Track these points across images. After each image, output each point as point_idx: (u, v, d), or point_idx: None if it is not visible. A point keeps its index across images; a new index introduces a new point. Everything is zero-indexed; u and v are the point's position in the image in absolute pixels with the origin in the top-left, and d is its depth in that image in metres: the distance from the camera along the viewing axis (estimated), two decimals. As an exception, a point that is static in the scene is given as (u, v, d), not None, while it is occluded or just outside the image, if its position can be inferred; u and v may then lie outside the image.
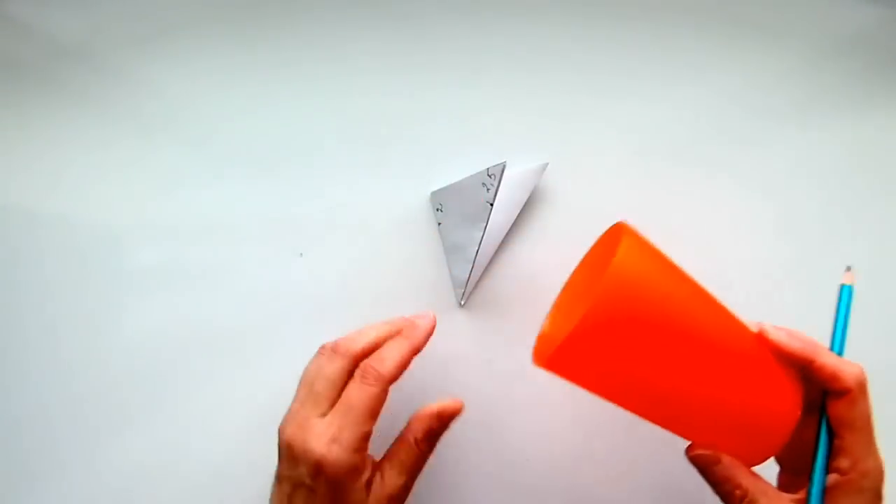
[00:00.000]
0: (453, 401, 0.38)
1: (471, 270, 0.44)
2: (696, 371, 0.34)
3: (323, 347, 0.38)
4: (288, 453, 0.36)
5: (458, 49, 0.45)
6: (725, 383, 0.34)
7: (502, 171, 0.42)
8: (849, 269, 0.38)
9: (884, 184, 0.46)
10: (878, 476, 0.34)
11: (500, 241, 0.45)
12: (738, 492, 0.35)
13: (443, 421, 0.38)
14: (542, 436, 0.45)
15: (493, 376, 0.45)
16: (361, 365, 0.37)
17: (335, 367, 0.37)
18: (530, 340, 0.44)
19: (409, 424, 0.38)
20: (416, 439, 0.37)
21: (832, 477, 0.34)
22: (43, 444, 0.45)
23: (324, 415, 0.36)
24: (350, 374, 0.37)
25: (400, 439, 0.38)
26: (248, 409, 0.45)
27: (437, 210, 0.45)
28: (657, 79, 0.45)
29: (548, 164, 0.45)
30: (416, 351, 0.38)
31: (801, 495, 0.34)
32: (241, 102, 0.45)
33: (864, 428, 0.34)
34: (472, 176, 0.44)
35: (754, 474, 0.35)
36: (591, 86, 0.46)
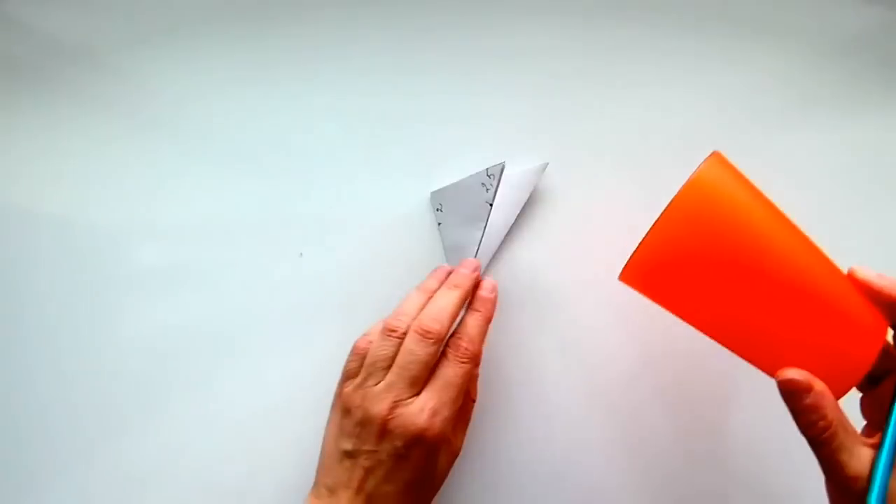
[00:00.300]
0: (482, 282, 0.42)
1: (484, 269, 0.44)
2: (778, 293, 0.33)
3: (387, 324, 0.40)
4: (381, 429, 0.37)
5: (459, 49, 0.45)
6: (809, 310, 0.34)
7: (501, 172, 0.43)
8: None
9: (884, 184, 0.46)
10: None
11: (500, 241, 0.45)
12: (822, 423, 0.33)
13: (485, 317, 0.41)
14: (541, 438, 0.45)
15: (494, 376, 0.45)
16: (453, 343, 0.40)
17: (429, 351, 0.39)
18: (530, 340, 0.44)
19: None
20: (473, 399, 0.42)
21: None
22: (42, 444, 0.45)
23: (417, 394, 0.38)
24: (438, 354, 0.39)
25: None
26: (247, 408, 0.45)
27: (437, 210, 0.45)
28: (657, 79, 0.45)
29: (547, 164, 0.45)
30: (490, 322, 0.42)
31: (876, 439, 0.34)
32: (241, 102, 0.45)
33: None
34: (471, 176, 0.44)
35: (839, 408, 0.34)
36: (590, 86, 0.46)
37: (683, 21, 0.45)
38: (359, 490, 0.38)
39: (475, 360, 0.39)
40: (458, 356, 0.39)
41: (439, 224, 0.45)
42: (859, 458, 0.33)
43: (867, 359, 0.33)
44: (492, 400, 0.45)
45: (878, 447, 0.33)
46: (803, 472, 0.44)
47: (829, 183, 0.46)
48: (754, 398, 0.45)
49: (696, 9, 0.45)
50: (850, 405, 0.35)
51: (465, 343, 0.39)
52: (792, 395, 0.34)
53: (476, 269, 0.43)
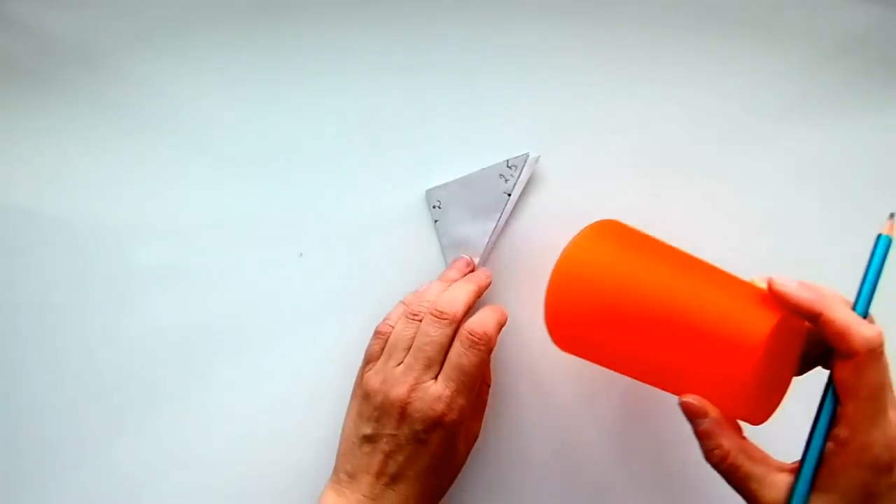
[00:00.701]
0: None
1: (484, 263, 0.45)
2: (661, 332, 0.34)
3: (409, 308, 0.41)
4: (400, 413, 0.38)
5: (456, 48, 0.45)
6: (689, 340, 0.34)
7: (524, 163, 0.43)
8: (893, 216, 0.34)
9: (884, 184, 0.46)
10: (881, 452, 0.30)
11: (497, 235, 0.45)
12: (718, 451, 0.33)
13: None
14: (550, 427, 0.45)
15: (498, 370, 0.45)
16: (467, 330, 0.39)
17: (444, 333, 0.39)
18: (526, 332, 0.44)
19: None
20: (487, 384, 0.43)
21: (829, 446, 0.32)
22: (42, 444, 0.45)
23: (435, 377, 0.38)
24: (453, 337, 0.39)
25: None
26: (247, 408, 0.45)
27: (435, 207, 0.45)
28: (657, 78, 0.45)
29: (539, 156, 0.45)
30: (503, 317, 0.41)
31: (796, 464, 0.32)
32: (241, 102, 0.45)
33: (871, 397, 0.30)
34: (484, 169, 0.44)
35: (740, 436, 0.33)
36: (590, 85, 0.45)
37: (683, 21, 0.45)
38: (379, 474, 0.38)
39: (489, 346, 0.39)
40: (472, 342, 0.39)
41: (436, 221, 0.45)
42: (772, 486, 0.32)
43: (745, 377, 0.32)
44: (498, 393, 0.45)
45: (797, 473, 0.32)
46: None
47: (829, 183, 0.46)
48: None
49: (696, 9, 0.45)
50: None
51: (479, 329, 0.39)
52: (691, 421, 0.34)
53: (489, 275, 0.44)
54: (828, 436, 0.32)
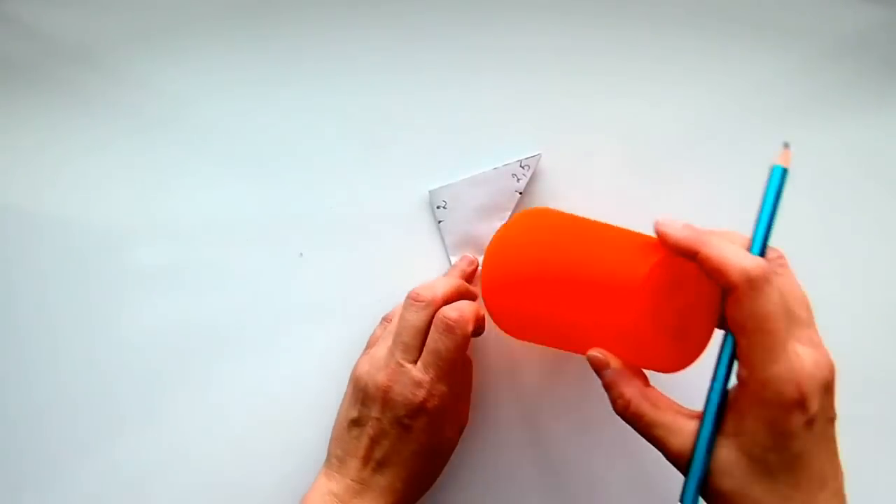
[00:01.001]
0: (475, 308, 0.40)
1: None
2: (573, 294, 0.36)
3: (412, 295, 0.40)
4: (383, 398, 0.38)
5: (456, 48, 0.45)
6: (594, 297, 0.34)
7: (537, 163, 0.44)
8: (787, 146, 0.32)
9: (884, 184, 0.46)
10: (784, 387, 0.29)
11: None
12: (620, 400, 0.33)
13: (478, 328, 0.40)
14: (543, 429, 0.45)
15: (492, 364, 0.45)
16: (442, 314, 0.39)
17: (420, 317, 0.39)
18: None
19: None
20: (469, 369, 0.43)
21: (734, 387, 0.31)
22: (42, 444, 0.45)
23: (414, 362, 0.39)
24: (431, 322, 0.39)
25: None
26: (248, 408, 0.45)
27: (440, 207, 0.45)
28: (657, 78, 0.45)
29: (540, 154, 0.45)
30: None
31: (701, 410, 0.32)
32: (241, 102, 0.45)
33: (759, 330, 0.29)
34: (495, 169, 0.44)
35: (644, 385, 0.33)
36: (590, 84, 0.45)
37: (683, 21, 0.45)
38: (366, 459, 0.39)
39: (464, 331, 0.38)
40: (447, 326, 0.38)
41: (440, 222, 0.45)
42: (679, 433, 0.31)
43: (634, 321, 0.32)
44: (490, 386, 0.45)
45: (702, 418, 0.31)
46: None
47: (829, 183, 0.46)
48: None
49: (696, 8, 0.45)
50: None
51: (453, 314, 0.38)
52: (597, 374, 0.34)
53: (472, 262, 0.44)
54: (728, 376, 0.31)
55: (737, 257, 0.29)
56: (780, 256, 0.32)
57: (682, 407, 0.33)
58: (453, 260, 0.45)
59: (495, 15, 0.45)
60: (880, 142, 0.46)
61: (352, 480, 0.39)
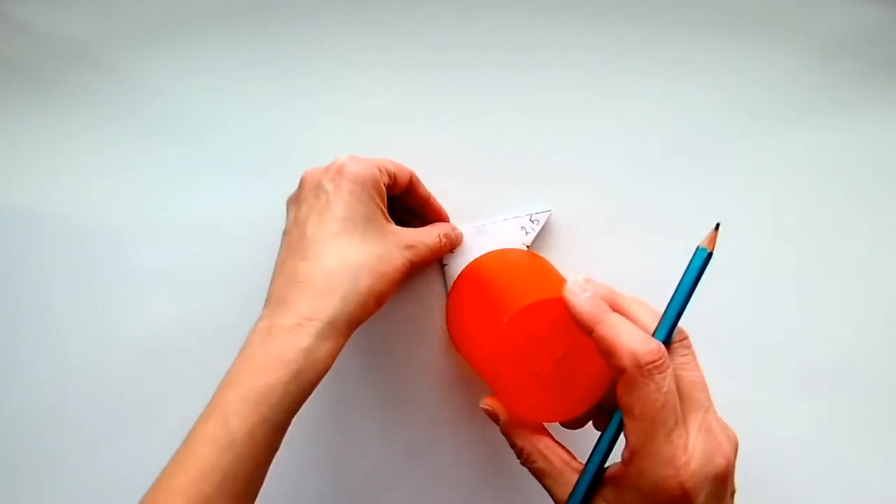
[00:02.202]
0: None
1: None
2: (479, 321, 0.38)
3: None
4: (308, 179, 0.38)
5: (456, 48, 0.45)
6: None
7: (547, 218, 0.44)
8: (717, 228, 0.32)
9: (884, 184, 0.46)
10: (661, 479, 0.28)
11: None
12: (514, 449, 0.34)
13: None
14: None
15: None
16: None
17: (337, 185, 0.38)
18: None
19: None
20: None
21: (614, 465, 0.31)
22: (42, 444, 0.45)
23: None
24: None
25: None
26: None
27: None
28: (656, 78, 0.45)
29: (551, 211, 0.45)
30: (423, 196, 0.42)
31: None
32: (241, 102, 0.45)
33: (644, 417, 0.28)
34: (504, 220, 0.44)
35: (538, 434, 0.34)
36: (589, 84, 0.45)
37: (683, 21, 0.45)
38: (298, 240, 0.36)
39: (392, 166, 0.40)
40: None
41: (444, 265, 0.45)
42: (565, 485, 0.32)
43: (494, 369, 0.33)
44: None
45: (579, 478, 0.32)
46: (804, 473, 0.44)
47: (829, 183, 0.46)
48: (760, 397, 0.45)
49: (696, 8, 0.45)
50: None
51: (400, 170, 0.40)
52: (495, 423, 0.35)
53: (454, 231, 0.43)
54: (609, 450, 0.31)
55: (630, 341, 0.29)
56: (685, 339, 0.31)
57: (574, 459, 0.33)
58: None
59: (497, 16, 0.45)
60: (880, 142, 0.46)
61: (301, 316, 0.35)
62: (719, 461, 0.29)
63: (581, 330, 0.31)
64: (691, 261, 0.31)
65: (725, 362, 0.46)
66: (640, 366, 0.28)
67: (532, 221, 0.44)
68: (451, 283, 0.44)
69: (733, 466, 0.30)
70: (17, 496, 0.45)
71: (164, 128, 0.45)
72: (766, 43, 0.45)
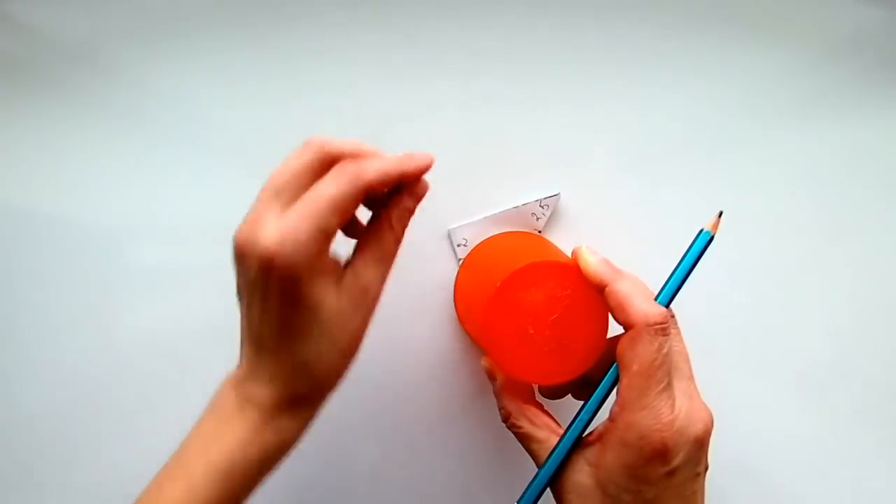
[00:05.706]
0: (420, 158, 0.33)
1: None
2: (480, 286, 0.38)
3: None
4: (238, 255, 0.30)
5: (457, 49, 0.45)
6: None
7: (556, 202, 0.45)
8: (720, 215, 0.34)
9: (883, 184, 0.46)
10: (648, 434, 0.29)
11: None
12: (502, 412, 0.35)
13: (416, 196, 0.33)
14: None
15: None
16: (339, 163, 0.31)
17: (302, 161, 0.31)
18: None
19: (382, 209, 0.33)
20: (391, 223, 0.33)
21: (606, 420, 0.32)
22: (42, 443, 0.45)
23: (283, 211, 0.30)
24: (319, 174, 0.31)
25: (370, 228, 0.33)
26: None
27: (460, 245, 0.45)
28: (656, 79, 0.45)
29: (559, 194, 0.45)
30: (404, 176, 0.32)
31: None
32: (241, 101, 0.45)
33: (642, 373, 0.30)
34: (515, 208, 0.45)
35: (526, 400, 0.35)
36: (589, 86, 0.46)
37: (683, 21, 0.45)
38: (248, 338, 0.32)
39: (357, 181, 0.30)
40: (338, 174, 0.30)
41: (460, 259, 0.45)
42: (549, 450, 0.33)
43: (487, 331, 0.34)
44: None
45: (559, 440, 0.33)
46: (801, 471, 0.45)
47: (829, 183, 0.46)
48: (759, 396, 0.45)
49: (695, 9, 0.45)
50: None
51: (352, 163, 0.30)
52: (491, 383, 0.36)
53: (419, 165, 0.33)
54: (601, 403, 0.33)
55: (642, 300, 0.31)
56: (673, 317, 0.33)
57: (560, 427, 0.34)
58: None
59: (497, 16, 0.45)
60: (880, 141, 0.46)
61: (241, 371, 0.33)
62: (700, 426, 0.31)
63: (593, 286, 0.33)
64: (694, 241, 0.34)
65: (724, 360, 0.46)
66: (648, 324, 0.30)
67: (542, 206, 0.45)
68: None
69: (709, 436, 0.31)
70: (17, 496, 0.45)
71: (163, 127, 0.45)
72: (766, 43, 0.46)
